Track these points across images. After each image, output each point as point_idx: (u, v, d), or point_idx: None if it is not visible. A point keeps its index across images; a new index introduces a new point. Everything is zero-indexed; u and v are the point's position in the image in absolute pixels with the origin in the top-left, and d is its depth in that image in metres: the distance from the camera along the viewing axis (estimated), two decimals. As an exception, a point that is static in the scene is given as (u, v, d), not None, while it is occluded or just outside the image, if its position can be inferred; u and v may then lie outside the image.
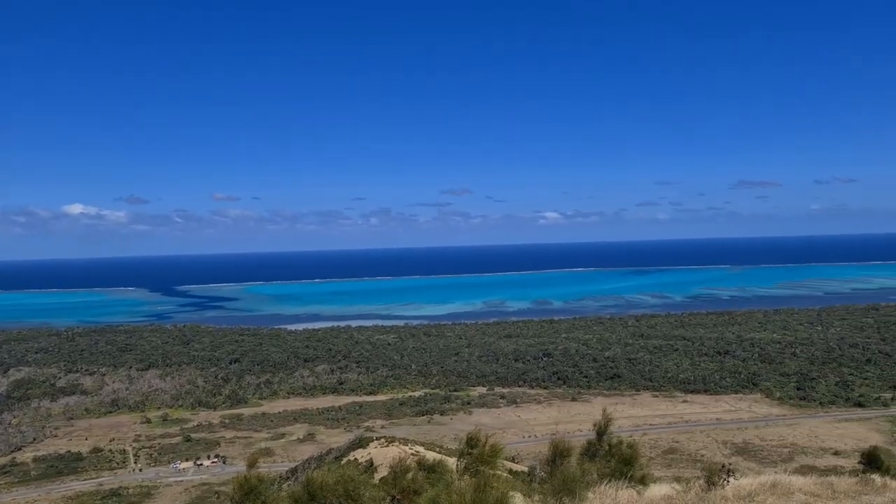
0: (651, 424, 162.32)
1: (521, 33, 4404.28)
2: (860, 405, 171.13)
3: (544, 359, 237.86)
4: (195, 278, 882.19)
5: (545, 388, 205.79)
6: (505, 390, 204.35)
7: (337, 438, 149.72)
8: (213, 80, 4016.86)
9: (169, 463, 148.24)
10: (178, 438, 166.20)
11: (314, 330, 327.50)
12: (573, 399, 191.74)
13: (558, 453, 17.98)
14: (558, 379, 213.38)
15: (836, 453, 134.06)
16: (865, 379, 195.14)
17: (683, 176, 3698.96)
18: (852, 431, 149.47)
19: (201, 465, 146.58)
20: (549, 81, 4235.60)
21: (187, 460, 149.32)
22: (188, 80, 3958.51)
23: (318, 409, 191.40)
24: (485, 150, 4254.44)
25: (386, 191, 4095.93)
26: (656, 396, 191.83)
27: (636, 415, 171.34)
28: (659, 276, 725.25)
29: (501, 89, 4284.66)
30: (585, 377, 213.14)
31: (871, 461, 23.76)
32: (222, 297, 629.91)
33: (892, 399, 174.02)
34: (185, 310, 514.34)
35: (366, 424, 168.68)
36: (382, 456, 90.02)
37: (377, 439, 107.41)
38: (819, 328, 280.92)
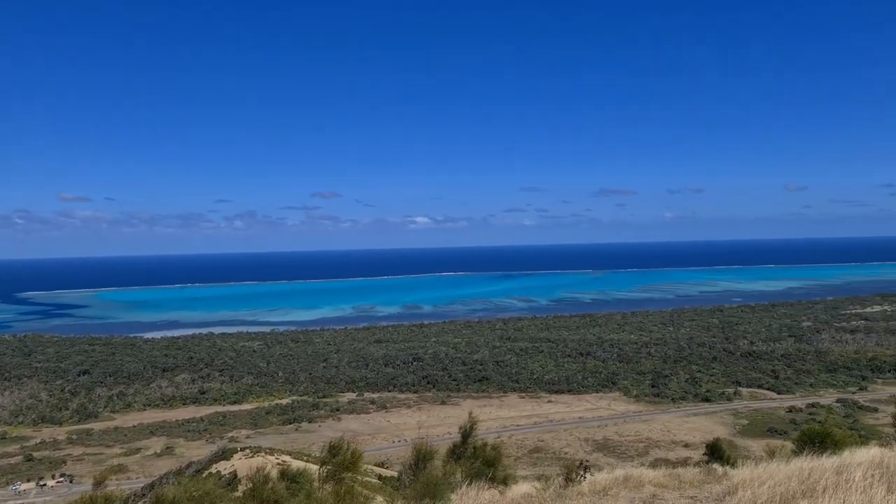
0: (518, 425, 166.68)
1: (394, 36, 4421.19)
2: (707, 400, 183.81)
3: (414, 363, 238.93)
4: (38, 284, 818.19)
5: (415, 393, 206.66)
6: (375, 395, 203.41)
7: (198, 451, 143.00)
8: (61, 71, 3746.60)
9: (8, 485, 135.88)
10: (19, 458, 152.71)
11: (174, 337, 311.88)
12: (443, 402, 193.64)
13: (421, 456, 17.84)
14: (428, 383, 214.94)
15: (687, 446, 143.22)
16: (711, 375, 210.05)
17: (549, 183, 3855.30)
18: (700, 425, 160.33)
19: (45, 485, 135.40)
20: (419, 85, 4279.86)
21: (29, 481, 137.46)
22: (32, 71, 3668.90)
23: (177, 420, 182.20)
24: (354, 152, 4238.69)
25: (252, 193, 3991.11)
26: (523, 397, 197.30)
27: (504, 416, 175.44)
28: (525, 280, 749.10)
29: (371, 92, 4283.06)
30: (455, 380, 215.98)
31: (714, 452, 25.42)
32: (70, 304, 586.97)
33: (735, 394, 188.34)
34: (26, 318, 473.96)
35: (230, 435, 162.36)
36: (247, 467, 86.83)
37: (242, 450, 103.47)
38: (671, 328, 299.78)
